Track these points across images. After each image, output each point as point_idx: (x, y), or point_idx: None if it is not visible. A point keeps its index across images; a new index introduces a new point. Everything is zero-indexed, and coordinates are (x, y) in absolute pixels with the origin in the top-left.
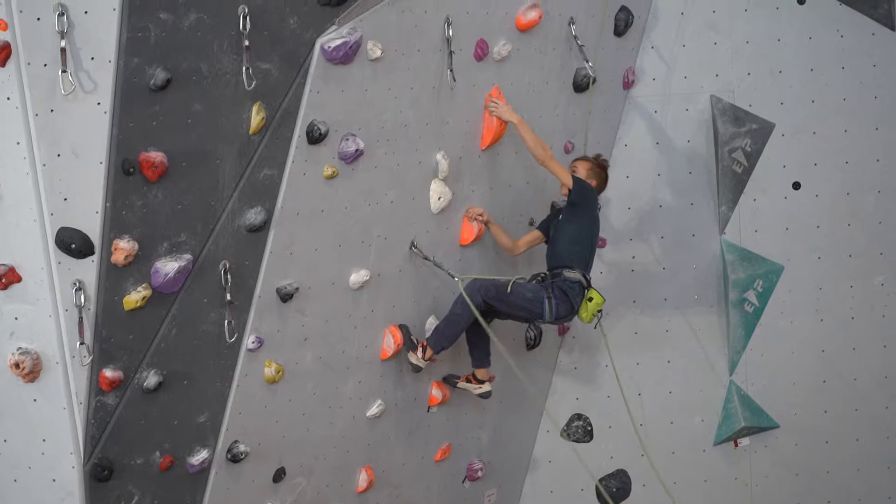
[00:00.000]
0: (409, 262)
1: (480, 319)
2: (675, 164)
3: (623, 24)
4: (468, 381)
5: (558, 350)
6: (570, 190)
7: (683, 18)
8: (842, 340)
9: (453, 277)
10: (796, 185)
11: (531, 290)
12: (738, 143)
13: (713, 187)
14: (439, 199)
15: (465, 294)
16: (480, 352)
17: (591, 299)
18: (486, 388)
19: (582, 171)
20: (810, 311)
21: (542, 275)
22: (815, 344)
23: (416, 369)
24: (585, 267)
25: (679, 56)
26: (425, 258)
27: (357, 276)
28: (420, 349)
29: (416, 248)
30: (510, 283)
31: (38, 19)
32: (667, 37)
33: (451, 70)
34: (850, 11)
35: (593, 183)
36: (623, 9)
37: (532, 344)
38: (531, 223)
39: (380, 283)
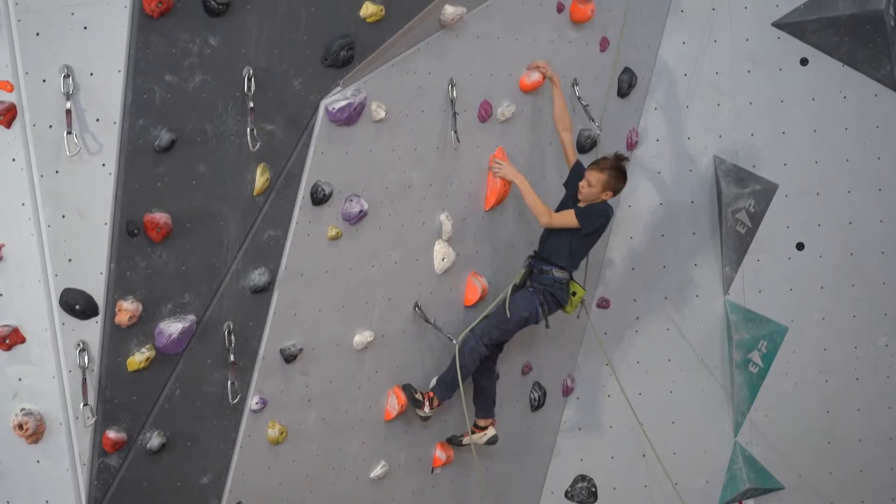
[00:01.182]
0: (412, 323)
1: (461, 387)
2: (679, 225)
3: (626, 85)
4: (472, 433)
5: (562, 411)
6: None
7: (687, 79)
8: (846, 401)
9: (452, 341)
10: (800, 246)
11: (524, 304)
12: (742, 203)
13: (717, 248)
14: (443, 259)
15: (457, 356)
16: (486, 401)
17: (574, 293)
18: (490, 432)
19: (597, 185)
20: (815, 371)
21: (530, 261)
22: (820, 405)
23: (425, 418)
24: (575, 267)
25: (682, 117)
26: (426, 321)
27: (361, 337)
28: (427, 402)
29: (419, 309)
30: (507, 308)
31: (44, 81)
32: (670, 98)
33: (455, 131)
34: (852, 73)
35: (608, 195)
36: (626, 70)
37: (536, 405)
38: None
39: (384, 343)
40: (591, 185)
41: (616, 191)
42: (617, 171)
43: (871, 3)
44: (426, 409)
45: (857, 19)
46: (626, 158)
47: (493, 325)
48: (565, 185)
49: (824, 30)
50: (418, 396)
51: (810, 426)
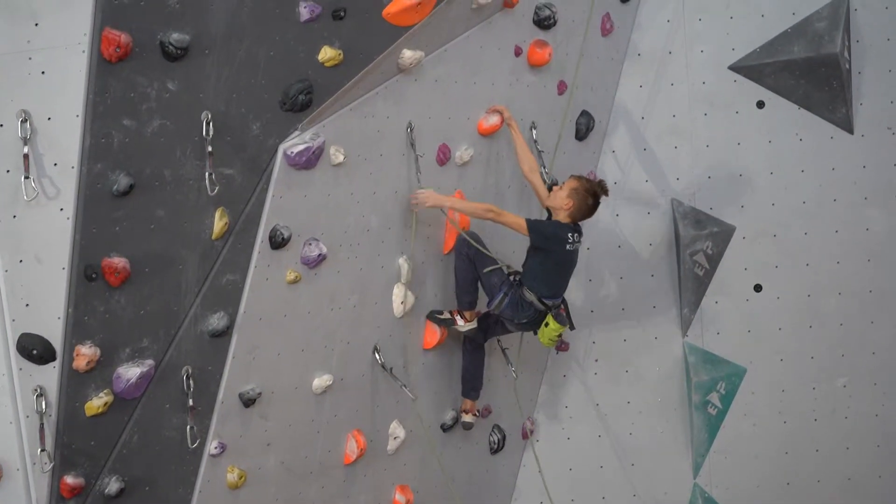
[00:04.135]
0: (371, 367)
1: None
2: (637, 268)
3: (584, 128)
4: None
5: (522, 454)
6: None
7: (644, 122)
8: (805, 442)
9: (408, 393)
10: (758, 288)
11: (497, 277)
12: (700, 245)
13: (675, 290)
14: (402, 303)
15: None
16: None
17: (546, 324)
18: (467, 418)
19: (564, 189)
20: (773, 412)
21: (516, 273)
22: (779, 446)
23: (471, 331)
24: (548, 295)
25: (640, 160)
26: (384, 369)
27: (320, 381)
28: (457, 316)
29: (378, 354)
30: (493, 269)
31: (1, 125)
32: (627, 141)
33: (419, 172)
34: (808, 115)
35: (570, 203)
36: (584, 113)
37: (496, 448)
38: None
39: (343, 387)
40: (560, 188)
41: (579, 210)
42: (589, 192)
43: (826, 47)
44: (458, 321)
45: (812, 62)
46: (606, 192)
47: (476, 255)
48: None
49: (780, 73)
50: (446, 315)
51: (769, 467)
